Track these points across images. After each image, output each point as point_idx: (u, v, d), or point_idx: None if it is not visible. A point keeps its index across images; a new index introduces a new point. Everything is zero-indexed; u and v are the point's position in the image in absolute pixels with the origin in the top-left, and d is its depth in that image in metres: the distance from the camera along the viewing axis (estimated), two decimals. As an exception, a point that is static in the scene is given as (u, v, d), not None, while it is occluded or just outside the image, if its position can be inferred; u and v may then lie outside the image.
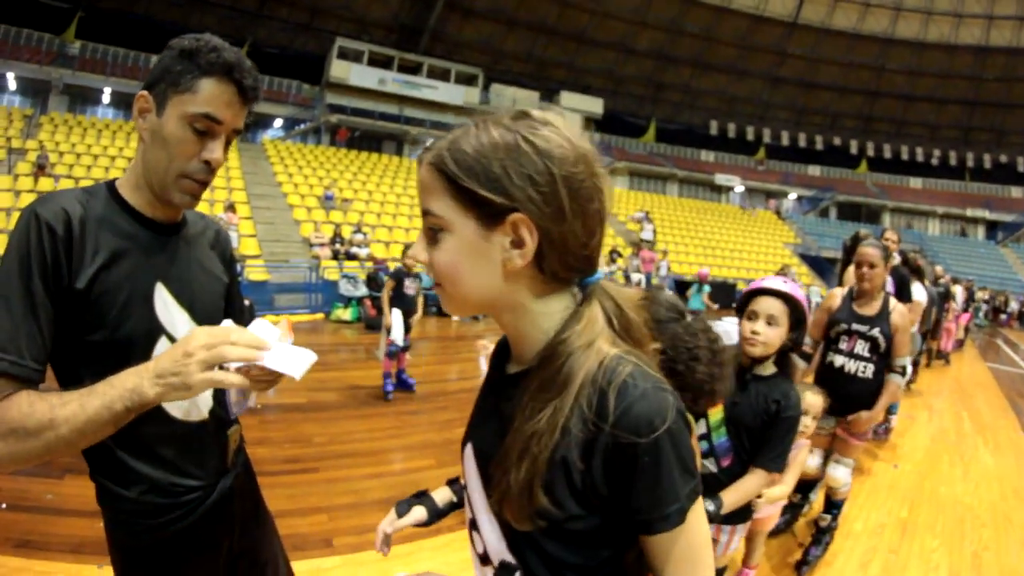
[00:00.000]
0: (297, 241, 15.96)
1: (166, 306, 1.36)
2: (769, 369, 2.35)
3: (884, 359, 3.64)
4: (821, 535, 3.79)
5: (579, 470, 0.82)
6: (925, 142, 40.65)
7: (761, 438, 2.23)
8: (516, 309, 0.91)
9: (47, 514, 3.88)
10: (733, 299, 17.99)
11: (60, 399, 1.08)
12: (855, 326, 3.67)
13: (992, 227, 35.96)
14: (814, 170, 39.60)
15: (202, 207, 16.95)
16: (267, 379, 1.26)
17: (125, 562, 1.44)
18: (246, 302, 6.97)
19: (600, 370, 0.83)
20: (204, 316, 1.43)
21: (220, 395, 1.52)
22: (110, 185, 1.37)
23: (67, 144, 17.41)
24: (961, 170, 39.75)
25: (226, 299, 1.61)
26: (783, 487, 2.59)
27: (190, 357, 1.03)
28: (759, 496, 2.27)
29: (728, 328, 6.27)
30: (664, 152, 37.33)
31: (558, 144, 0.83)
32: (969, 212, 36.28)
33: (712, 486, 2.20)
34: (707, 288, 11.23)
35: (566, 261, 0.87)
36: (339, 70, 28.77)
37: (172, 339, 1.35)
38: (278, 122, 28.46)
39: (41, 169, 14.89)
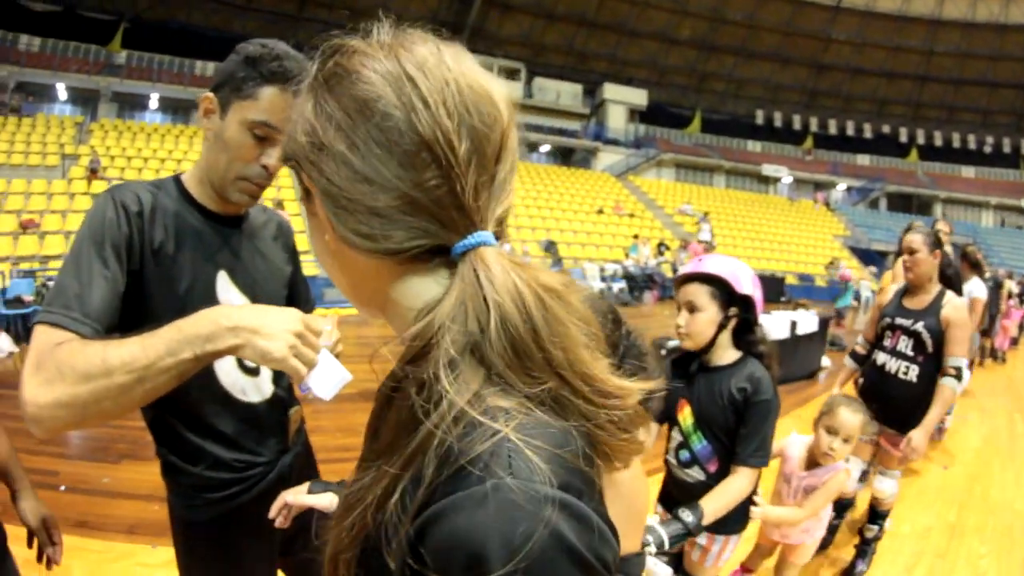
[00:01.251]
0: None
1: (228, 293, 1.48)
2: (726, 356, 2.21)
3: (932, 361, 3.38)
4: (866, 547, 3.72)
5: None
6: (977, 128, 40.87)
7: (737, 433, 2.12)
8: (384, 307, 0.70)
9: (104, 496, 4.21)
10: (782, 293, 19.04)
11: (117, 342, 1.05)
12: (899, 320, 3.50)
13: None
14: (863, 159, 40.16)
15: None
16: None
17: (186, 535, 1.57)
18: None
19: (448, 424, 0.53)
20: (265, 302, 1.41)
21: (280, 377, 1.63)
22: (177, 179, 1.50)
23: (117, 148, 19.35)
24: (1016, 158, 39.96)
25: (289, 287, 1.75)
26: (804, 511, 2.52)
27: (285, 334, 1.03)
28: (753, 499, 2.20)
29: (777, 322, 8.16)
30: (710, 143, 38.29)
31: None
32: None
33: (703, 494, 2.07)
34: (852, 288, 11.31)
35: (357, 221, 0.61)
36: None
37: None
38: None
39: (94, 173, 16.60)
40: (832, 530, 3.86)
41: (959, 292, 4.49)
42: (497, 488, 0.49)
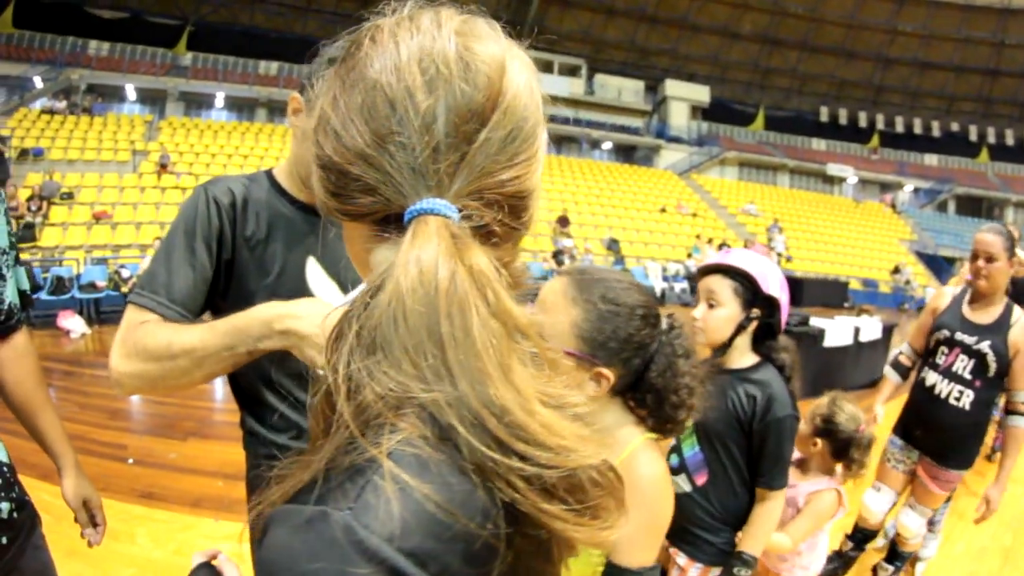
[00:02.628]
0: None
1: (318, 277, 1.61)
2: (742, 360, 2.06)
3: (991, 386, 3.06)
4: None
5: None
6: None
7: (744, 447, 1.98)
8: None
9: (170, 471, 4.44)
10: (846, 299, 19.17)
11: (183, 329, 1.30)
12: (959, 335, 3.11)
13: None
14: (931, 159, 39.85)
15: None
16: None
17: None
18: None
19: (338, 426, 0.51)
20: (351, 286, 1.61)
21: None
22: (268, 172, 1.65)
23: (186, 144, 21.49)
24: None
25: None
26: (789, 539, 2.23)
27: None
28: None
29: (839, 328, 8.11)
30: (773, 141, 38.79)
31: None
32: None
33: (686, 507, 1.99)
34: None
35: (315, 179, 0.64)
36: None
37: None
38: None
39: (163, 167, 18.54)
40: (847, 562, 3.61)
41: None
42: (324, 517, 0.44)
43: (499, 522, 0.48)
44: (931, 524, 3.76)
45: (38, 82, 24.85)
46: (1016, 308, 3.08)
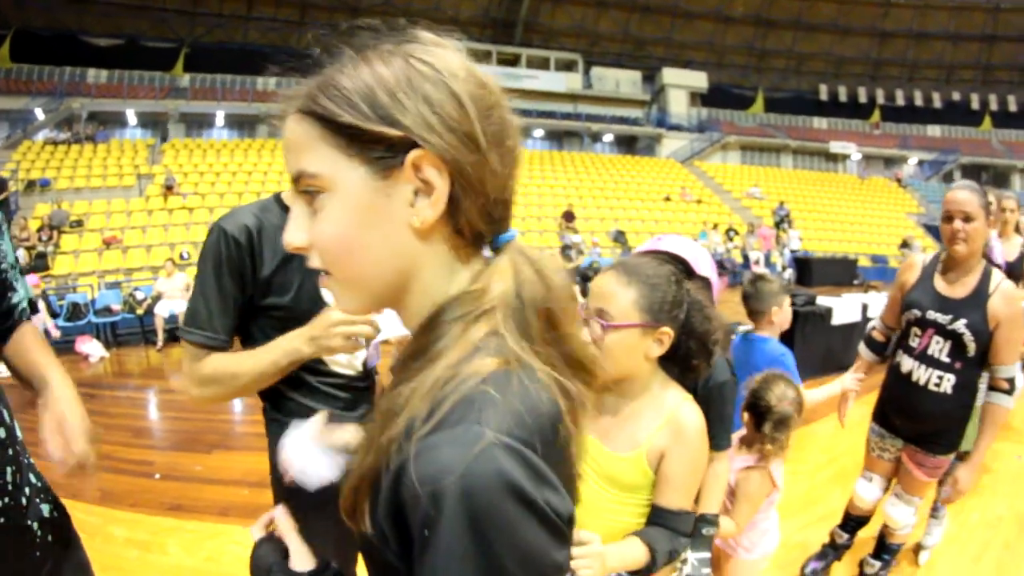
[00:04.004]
0: None
1: None
2: None
3: (973, 365, 2.79)
4: None
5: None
6: None
7: None
8: (418, 289, 0.76)
9: (197, 482, 4.57)
10: (855, 276, 19.20)
11: (240, 357, 1.74)
12: (931, 314, 2.81)
13: None
14: (933, 130, 39.57)
15: None
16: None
17: (288, 495, 1.74)
18: None
19: (457, 368, 0.66)
20: None
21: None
22: (277, 197, 1.86)
23: (190, 165, 21.57)
24: None
25: None
26: (730, 522, 2.37)
27: (332, 329, 1.65)
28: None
29: (847, 305, 8.35)
30: (774, 122, 38.27)
31: (459, 64, 0.73)
32: None
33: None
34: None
35: (486, 208, 0.74)
36: None
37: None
38: None
39: (170, 189, 18.55)
40: (837, 548, 3.49)
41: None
42: (466, 431, 0.59)
43: (564, 417, 0.68)
44: (934, 510, 3.68)
45: (39, 114, 25.06)
46: (995, 272, 2.78)
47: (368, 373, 2.10)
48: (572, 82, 34.74)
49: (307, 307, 1.82)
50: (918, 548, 3.74)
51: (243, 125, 29.43)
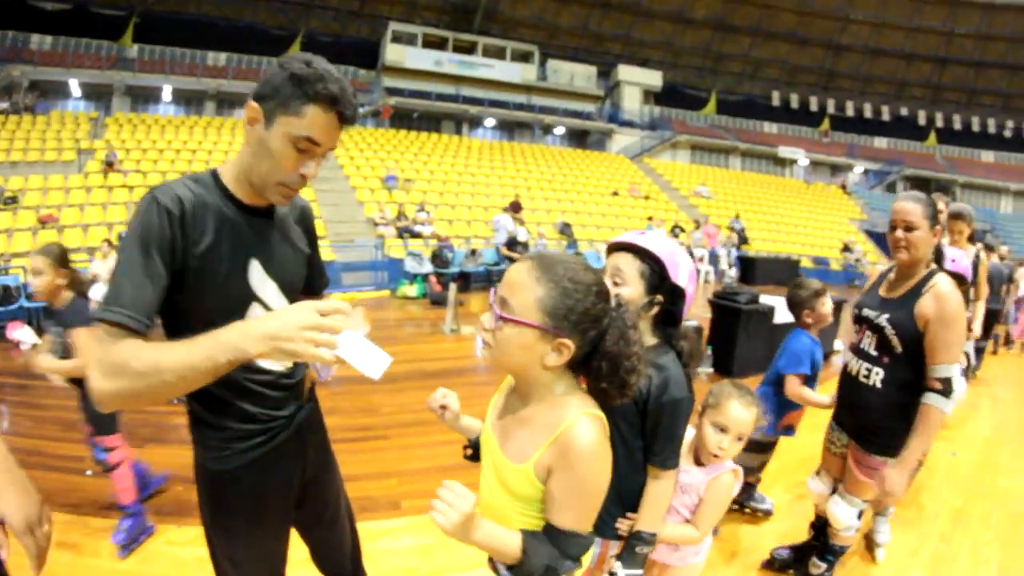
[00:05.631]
0: (361, 221, 17.96)
1: (259, 278, 1.73)
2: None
3: (905, 363, 2.82)
4: None
5: None
6: (998, 112, 41.40)
7: (638, 427, 1.98)
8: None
9: None
10: (797, 276, 18.15)
11: (166, 347, 1.36)
12: (865, 311, 2.99)
13: None
14: (880, 142, 40.82)
15: None
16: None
17: (212, 485, 1.80)
18: None
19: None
20: (289, 285, 1.84)
21: None
22: (215, 174, 1.70)
23: (132, 141, 20.48)
24: None
25: (308, 266, 2.00)
26: (693, 529, 2.32)
27: (302, 332, 1.30)
28: (627, 514, 2.06)
29: (781, 304, 7.39)
30: (725, 124, 39.03)
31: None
32: None
33: None
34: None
35: None
36: (394, 54, 31.83)
37: (264, 305, 1.74)
38: None
39: (110, 166, 17.55)
40: (811, 550, 3.49)
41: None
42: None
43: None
44: (883, 508, 3.74)
45: (-23, 81, 23.71)
46: (939, 276, 2.79)
47: (294, 372, 1.95)
48: (527, 73, 34.48)
49: (235, 302, 1.70)
50: (871, 545, 3.84)
51: (190, 101, 28.64)
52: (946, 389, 2.69)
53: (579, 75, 35.89)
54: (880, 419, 2.92)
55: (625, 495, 2.05)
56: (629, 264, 1.99)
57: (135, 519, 3.67)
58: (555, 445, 1.47)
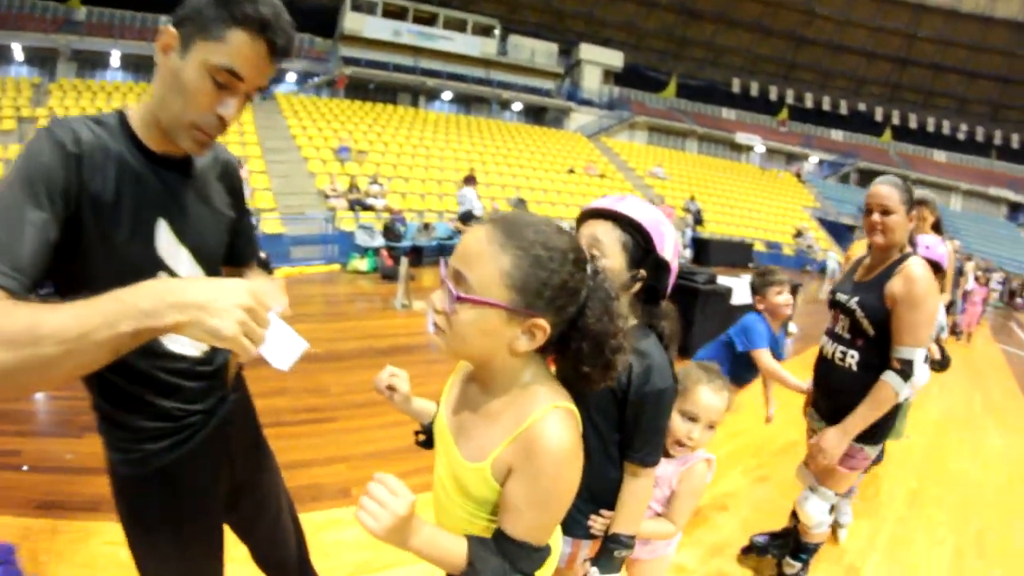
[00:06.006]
0: (312, 193, 17.28)
1: (168, 242, 1.45)
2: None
3: (876, 347, 2.78)
4: None
5: None
6: (953, 115, 42.83)
7: (615, 420, 1.77)
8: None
9: (68, 473, 4.07)
10: (750, 259, 20.16)
11: (49, 308, 0.95)
12: (839, 295, 2.96)
13: (1015, 209, 37.90)
14: (837, 135, 41.64)
15: None
16: None
17: (126, 494, 1.57)
18: (262, 255, 9.07)
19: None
20: (206, 253, 1.56)
21: None
22: (121, 116, 1.41)
23: (77, 108, 18.89)
24: (988, 147, 41.98)
25: (232, 233, 1.71)
26: (668, 524, 2.20)
27: (234, 310, 1.00)
28: (601, 512, 1.86)
29: (745, 287, 8.33)
30: (684, 108, 39.27)
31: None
32: (992, 191, 38.23)
33: None
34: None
35: None
36: (353, 22, 30.85)
37: (173, 274, 1.46)
38: (291, 76, 30.05)
39: None
40: (786, 542, 3.45)
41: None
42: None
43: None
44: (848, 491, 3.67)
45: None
46: (911, 259, 2.72)
47: (213, 357, 1.64)
48: (487, 47, 33.84)
49: (138, 269, 1.24)
50: (834, 527, 3.81)
51: (140, 67, 26.98)
52: (905, 371, 2.66)
53: (540, 52, 35.45)
54: (856, 402, 2.78)
55: (598, 492, 1.85)
56: (608, 234, 1.71)
57: None
58: (518, 442, 1.25)
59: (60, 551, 3.26)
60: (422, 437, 1.76)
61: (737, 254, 19.81)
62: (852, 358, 2.85)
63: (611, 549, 1.82)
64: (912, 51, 41.22)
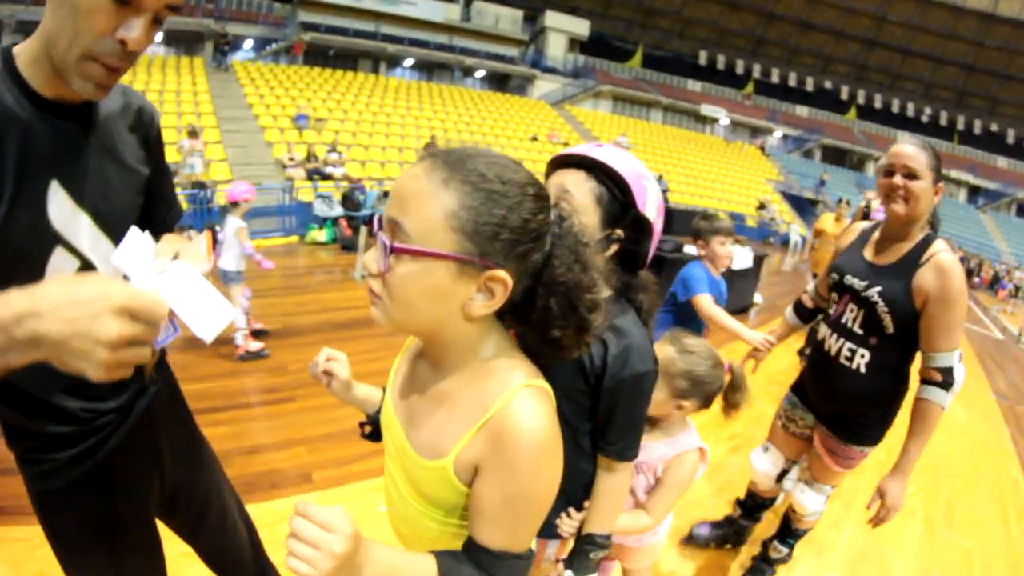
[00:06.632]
0: (269, 164, 16.68)
1: (63, 209, 1.19)
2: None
3: (893, 345, 2.36)
4: (765, 566, 3.08)
5: None
6: (918, 99, 43.61)
7: (588, 409, 1.55)
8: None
9: (19, 475, 3.64)
10: None
11: None
12: (848, 279, 2.45)
13: (974, 192, 39.27)
14: (802, 111, 41.82)
15: (168, 134, 15.70)
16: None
17: (44, 511, 1.39)
18: (217, 228, 7.12)
19: None
20: (111, 218, 1.28)
21: None
22: (7, 55, 1.14)
23: None
24: (951, 132, 42.71)
25: (147, 194, 1.43)
26: (649, 517, 1.95)
27: (96, 349, 0.78)
28: (569, 510, 1.65)
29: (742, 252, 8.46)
30: (650, 79, 39.07)
31: None
32: (953, 174, 38.67)
33: None
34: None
35: None
36: None
37: (72, 249, 1.21)
38: (248, 43, 28.64)
39: None
40: (740, 531, 3.27)
41: None
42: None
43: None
44: None
45: None
46: (938, 243, 2.27)
47: None
48: (451, 13, 32.86)
49: (27, 246, 1.14)
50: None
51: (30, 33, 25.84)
52: (947, 381, 2.23)
53: (504, 18, 34.64)
54: (864, 408, 2.50)
55: (568, 488, 1.46)
56: (580, 185, 1.43)
57: None
58: (485, 432, 1.03)
59: (16, 560, 2.90)
60: (368, 429, 1.49)
61: (703, 225, 19.72)
62: (862, 358, 2.42)
63: (586, 551, 1.62)
64: (881, 33, 41.83)
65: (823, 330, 2.61)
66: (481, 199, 0.93)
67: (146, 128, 1.42)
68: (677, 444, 1.98)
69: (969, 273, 24.61)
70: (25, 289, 0.80)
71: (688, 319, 3.39)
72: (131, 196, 1.37)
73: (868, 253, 2.46)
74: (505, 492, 1.02)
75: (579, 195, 1.40)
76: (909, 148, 2.24)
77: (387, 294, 0.98)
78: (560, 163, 1.48)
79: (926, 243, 2.28)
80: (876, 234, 2.50)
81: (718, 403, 2.07)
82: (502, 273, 0.96)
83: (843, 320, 2.48)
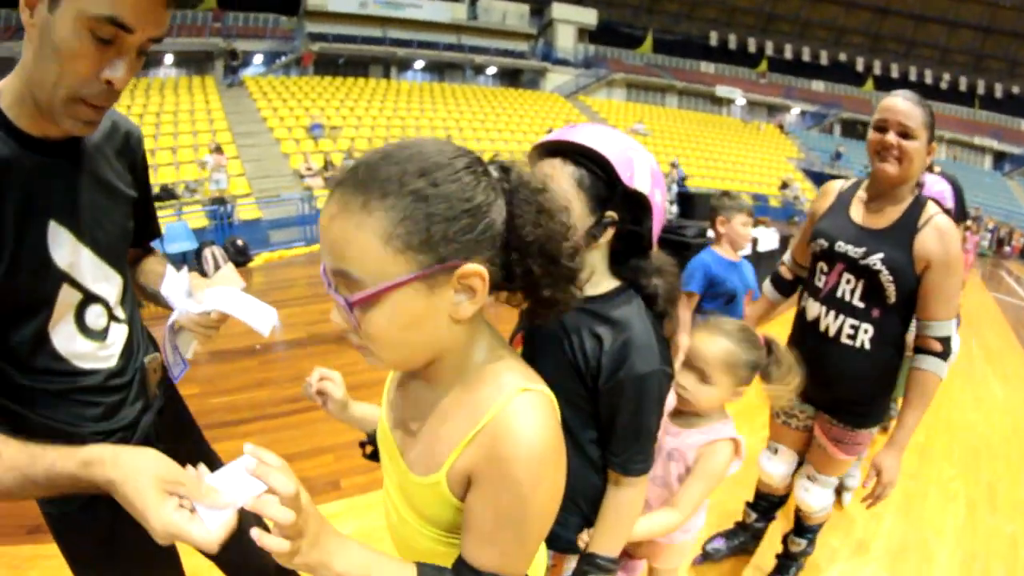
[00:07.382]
0: (287, 175, 17.18)
1: (65, 247, 1.21)
2: (592, 286, 1.38)
3: (896, 316, 2.19)
4: (790, 562, 2.91)
5: None
6: (934, 65, 42.80)
7: (589, 414, 1.43)
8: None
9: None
10: None
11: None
12: (840, 245, 2.22)
13: (999, 158, 38.08)
14: (818, 85, 41.28)
15: (185, 153, 16.62)
16: (213, 327, 1.38)
17: (61, 534, 1.41)
18: (239, 242, 9.18)
19: None
20: (108, 246, 1.32)
21: (132, 337, 1.44)
22: None
23: None
24: (971, 97, 42.00)
25: (136, 217, 1.46)
26: (678, 513, 1.78)
27: (164, 530, 0.88)
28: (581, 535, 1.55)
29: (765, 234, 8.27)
30: (662, 63, 38.89)
31: None
32: (977, 140, 38.05)
33: None
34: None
35: None
36: None
37: (76, 285, 1.24)
38: (258, 59, 29.14)
39: None
40: (756, 534, 3.10)
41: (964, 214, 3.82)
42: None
43: None
44: None
45: None
46: (930, 205, 2.14)
47: (127, 367, 1.40)
48: (458, 12, 33.11)
49: (35, 290, 1.17)
50: (839, 489, 3.53)
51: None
52: (946, 351, 2.12)
53: (511, 13, 34.80)
54: (869, 388, 2.32)
55: (582, 502, 1.54)
56: (558, 172, 1.31)
57: None
58: (479, 441, 0.95)
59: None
60: (370, 448, 1.44)
61: (727, 208, 19.64)
62: (866, 334, 2.22)
63: (585, 571, 1.49)
64: (892, 1, 41.14)
65: (814, 308, 2.35)
66: (410, 205, 0.84)
67: (133, 152, 1.44)
68: (712, 431, 1.85)
69: (1000, 242, 23.84)
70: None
71: (725, 311, 3.28)
72: (123, 221, 1.39)
73: (856, 216, 2.26)
74: (498, 507, 0.95)
75: (559, 183, 1.28)
76: (904, 104, 2.09)
77: (371, 343, 0.93)
78: (537, 154, 1.39)
79: (919, 206, 2.14)
80: (861, 193, 2.31)
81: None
82: (471, 266, 0.88)
83: (838, 293, 2.26)
